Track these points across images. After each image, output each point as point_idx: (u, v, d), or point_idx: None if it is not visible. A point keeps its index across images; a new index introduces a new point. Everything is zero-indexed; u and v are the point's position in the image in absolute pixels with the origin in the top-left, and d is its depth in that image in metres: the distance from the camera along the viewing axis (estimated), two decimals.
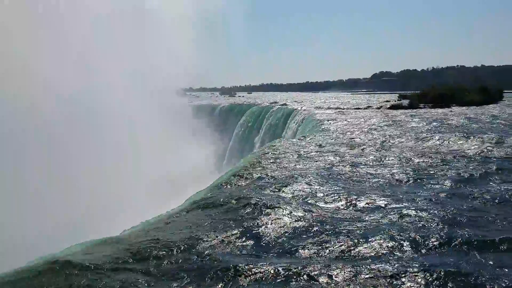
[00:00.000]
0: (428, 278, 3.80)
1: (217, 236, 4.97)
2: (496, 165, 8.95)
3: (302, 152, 11.30)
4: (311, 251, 4.53)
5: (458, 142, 12.22)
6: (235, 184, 7.81)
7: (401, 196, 6.60)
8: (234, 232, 5.12)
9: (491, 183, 7.42)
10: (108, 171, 23.53)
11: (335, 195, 6.73)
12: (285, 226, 5.31)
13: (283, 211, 5.82)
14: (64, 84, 23.55)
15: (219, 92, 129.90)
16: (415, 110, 27.91)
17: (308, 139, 14.47)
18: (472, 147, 11.33)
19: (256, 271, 4.03)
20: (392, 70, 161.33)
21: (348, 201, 6.41)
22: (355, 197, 6.56)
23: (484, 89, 38.39)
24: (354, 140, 13.45)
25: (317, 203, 6.35)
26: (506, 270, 3.95)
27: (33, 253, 4.95)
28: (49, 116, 22.46)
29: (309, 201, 6.47)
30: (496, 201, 6.38)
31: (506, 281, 3.71)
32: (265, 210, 5.89)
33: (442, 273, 3.87)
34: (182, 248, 4.60)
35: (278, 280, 3.85)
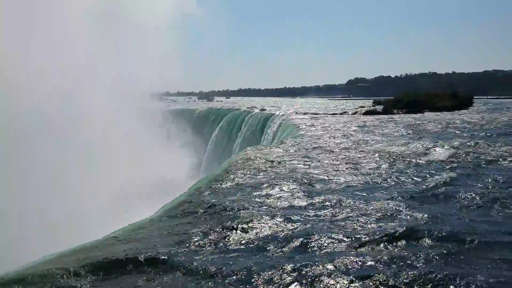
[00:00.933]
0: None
1: (190, 245, 4.89)
2: (462, 170, 9.24)
3: (279, 157, 11.34)
4: (282, 256, 4.52)
5: (430, 147, 12.53)
6: (211, 191, 7.75)
7: (371, 200, 6.70)
8: (209, 240, 5.06)
9: (453, 187, 7.63)
10: (86, 176, 23.06)
11: (312, 200, 6.77)
12: (259, 232, 5.29)
13: (260, 218, 5.80)
14: (43, 88, 23.06)
15: (196, 97, 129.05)
16: (389, 116, 28.55)
17: (286, 144, 14.55)
18: (443, 152, 11.65)
19: (228, 277, 4.00)
20: (366, 76, 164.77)
21: (324, 205, 6.45)
22: (331, 201, 6.62)
23: (455, 95, 39.67)
24: (330, 146, 13.61)
25: (293, 209, 6.37)
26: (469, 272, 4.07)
27: None
28: (28, 120, 21.95)
29: (285, 208, 6.47)
30: (461, 204, 6.58)
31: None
32: (242, 217, 5.85)
33: (411, 276, 3.95)
34: (154, 258, 4.50)
35: None
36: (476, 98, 50.74)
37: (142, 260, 4.43)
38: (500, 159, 10.25)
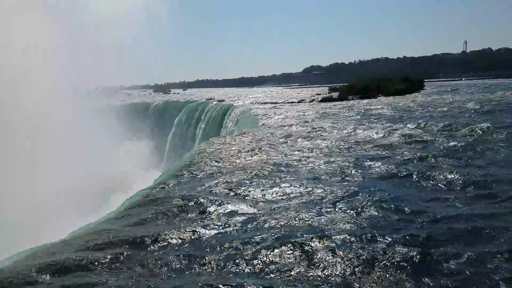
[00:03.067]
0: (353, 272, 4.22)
1: (155, 241, 4.91)
2: (413, 152, 9.89)
3: (240, 148, 11.51)
4: (249, 248, 4.70)
5: (382, 132, 13.20)
6: (174, 184, 7.77)
7: (330, 186, 7.07)
8: (175, 234, 5.12)
9: (403, 170, 8.20)
10: (31, 174, 22.14)
11: (274, 189, 7.00)
12: (225, 224, 5.45)
13: (222, 209, 5.96)
14: None
15: (152, 90, 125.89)
16: (344, 102, 29.50)
17: (246, 134, 14.73)
18: (394, 136, 12.34)
19: (197, 277, 4.17)
20: (322, 64, 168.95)
21: (285, 193, 6.72)
22: (293, 190, 6.87)
23: (406, 79, 41.46)
24: (290, 134, 13.96)
25: (257, 199, 6.55)
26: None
27: None
28: None
29: (247, 197, 6.65)
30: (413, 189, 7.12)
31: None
32: (205, 209, 6.00)
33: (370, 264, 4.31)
34: (118, 257, 4.52)
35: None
36: (426, 81, 53.48)
37: (104, 259, 4.46)
38: (445, 139, 11.06)
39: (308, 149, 10.73)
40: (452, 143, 10.40)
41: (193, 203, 6.27)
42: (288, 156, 9.94)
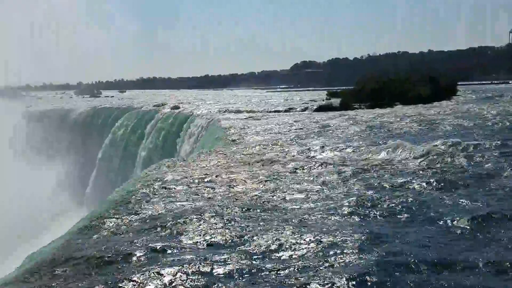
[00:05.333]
0: None
1: None
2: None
3: (201, 175, 11.38)
4: None
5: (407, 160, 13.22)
6: (105, 229, 7.56)
7: (314, 228, 6.95)
8: None
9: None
10: None
11: (240, 235, 6.86)
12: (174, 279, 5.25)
13: (174, 261, 5.77)
14: None
15: (74, 91, 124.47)
16: (349, 112, 29.80)
17: (210, 156, 14.60)
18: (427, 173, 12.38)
19: None
20: (317, 59, 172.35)
21: (262, 244, 6.53)
22: (264, 235, 6.77)
23: (434, 81, 41.94)
24: (273, 158, 13.78)
25: (216, 249, 6.39)
26: None
27: None
28: None
29: (207, 246, 6.52)
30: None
31: None
32: (149, 263, 5.79)
33: None
34: None
35: None
36: (460, 84, 55.03)
37: None
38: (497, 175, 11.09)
39: (300, 185, 10.49)
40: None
41: (127, 259, 6.02)
42: (269, 192, 9.76)
